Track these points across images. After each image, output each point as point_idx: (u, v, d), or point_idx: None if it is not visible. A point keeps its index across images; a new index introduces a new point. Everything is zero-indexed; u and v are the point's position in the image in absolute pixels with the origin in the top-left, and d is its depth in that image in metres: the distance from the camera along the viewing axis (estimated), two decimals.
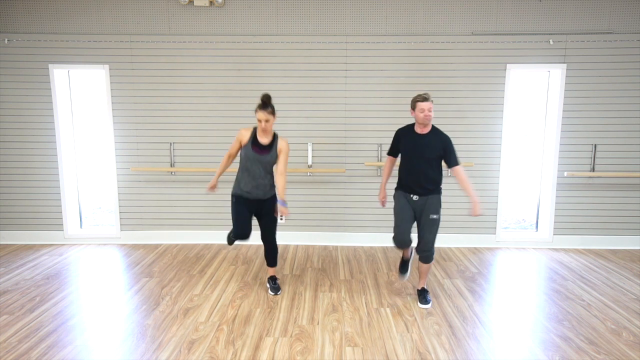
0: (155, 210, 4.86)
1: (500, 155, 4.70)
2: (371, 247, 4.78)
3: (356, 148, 4.75)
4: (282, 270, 4.06)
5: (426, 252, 3.27)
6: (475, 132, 4.67)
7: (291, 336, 2.83)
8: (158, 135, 4.75)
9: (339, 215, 4.85)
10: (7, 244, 4.83)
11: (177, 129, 4.74)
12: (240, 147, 3.35)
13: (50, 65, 4.62)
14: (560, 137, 4.67)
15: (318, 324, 3.00)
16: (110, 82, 4.66)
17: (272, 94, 4.59)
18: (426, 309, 3.26)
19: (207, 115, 4.72)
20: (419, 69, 4.61)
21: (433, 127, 3.24)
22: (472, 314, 3.15)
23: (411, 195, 3.24)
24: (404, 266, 3.54)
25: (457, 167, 3.23)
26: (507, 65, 4.57)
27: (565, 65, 4.56)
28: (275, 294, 3.51)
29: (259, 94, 4.63)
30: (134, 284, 3.68)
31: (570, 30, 4.54)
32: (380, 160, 4.73)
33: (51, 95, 4.66)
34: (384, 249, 4.71)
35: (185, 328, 2.92)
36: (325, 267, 4.16)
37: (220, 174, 3.50)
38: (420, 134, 3.21)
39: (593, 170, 4.69)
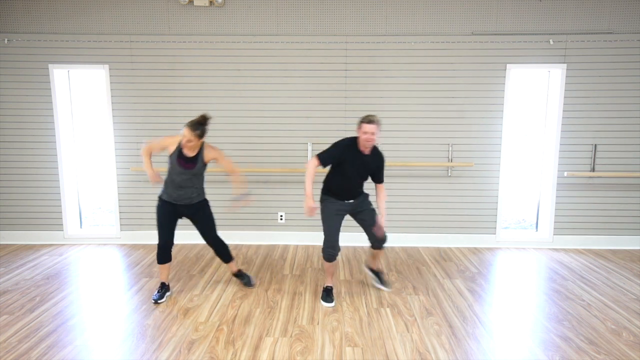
0: (155, 210, 4.85)
1: (500, 155, 4.70)
2: None
3: None
4: (282, 270, 4.06)
5: (383, 240, 3.41)
6: (475, 132, 4.68)
7: (291, 336, 2.83)
8: (158, 135, 4.73)
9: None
10: (7, 244, 4.83)
11: (177, 129, 4.71)
12: (160, 151, 3.34)
13: (50, 65, 4.62)
14: (560, 137, 4.67)
15: (318, 324, 3.00)
16: (110, 82, 4.66)
17: (272, 94, 4.68)
18: (389, 290, 3.50)
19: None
20: (419, 69, 4.61)
21: (374, 147, 3.29)
22: (472, 314, 3.15)
23: (344, 201, 3.33)
24: (329, 295, 3.35)
25: (382, 185, 3.40)
26: (507, 65, 4.57)
27: (565, 65, 4.56)
28: (250, 285, 3.61)
29: (259, 94, 4.69)
30: (134, 284, 3.68)
31: (570, 30, 4.54)
32: None
33: (51, 95, 4.66)
34: (384, 249, 4.70)
35: (185, 328, 2.92)
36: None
37: (150, 166, 3.31)
38: (363, 154, 3.22)
39: (593, 170, 4.69)
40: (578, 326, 2.98)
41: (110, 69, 4.63)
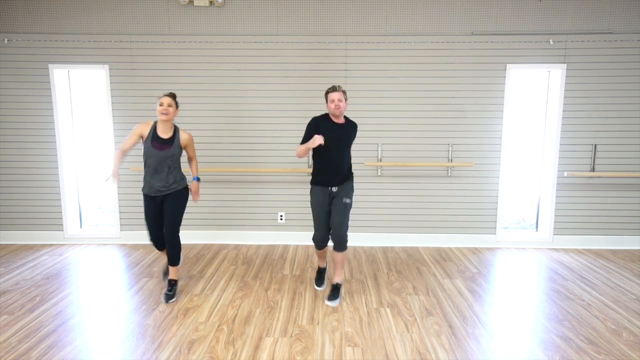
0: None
1: (500, 155, 4.70)
2: (371, 247, 4.78)
3: (356, 148, 4.71)
4: (282, 270, 4.06)
5: (339, 237, 3.26)
6: (475, 132, 4.67)
7: (291, 336, 2.83)
8: None
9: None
10: (7, 244, 4.83)
11: None
12: (137, 142, 3.25)
13: (50, 65, 4.62)
14: (560, 137, 4.67)
15: (318, 324, 3.00)
16: (110, 82, 4.66)
17: (272, 94, 4.69)
18: (332, 306, 3.24)
19: (207, 115, 4.72)
20: (419, 69, 4.61)
21: (345, 117, 3.32)
22: (472, 314, 3.15)
23: (330, 188, 3.28)
24: (320, 277, 3.63)
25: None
26: (507, 65, 4.57)
27: (565, 65, 4.56)
28: (166, 302, 3.28)
29: (259, 94, 4.69)
30: (134, 284, 3.68)
31: (570, 30, 4.54)
32: (380, 160, 4.73)
33: (51, 95, 4.66)
34: (384, 249, 4.71)
35: (185, 328, 2.92)
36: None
37: (117, 170, 3.25)
38: (337, 124, 3.24)
39: (593, 170, 4.69)
40: (578, 326, 2.98)
41: (110, 69, 4.63)
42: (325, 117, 3.27)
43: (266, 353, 2.62)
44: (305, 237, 4.88)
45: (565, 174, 4.69)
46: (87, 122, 5.11)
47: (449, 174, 4.76)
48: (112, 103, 4.68)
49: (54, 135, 4.72)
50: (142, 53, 4.63)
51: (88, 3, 4.58)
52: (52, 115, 4.69)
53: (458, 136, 4.70)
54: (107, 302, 3.32)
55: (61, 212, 4.85)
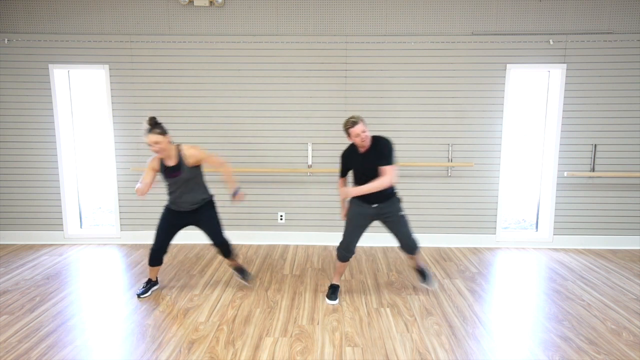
0: (155, 210, 4.86)
1: (500, 155, 4.70)
2: (371, 247, 4.79)
3: None
4: (282, 270, 4.06)
5: (410, 247, 3.33)
6: (475, 132, 4.68)
7: (291, 336, 2.83)
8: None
9: (339, 215, 4.85)
10: (7, 244, 4.83)
11: (177, 129, 4.74)
12: (155, 176, 3.20)
13: (50, 65, 4.62)
14: (560, 137, 4.67)
15: (318, 324, 3.00)
16: (110, 82, 4.66)
17: (272, 94, 4.68)
18: (432, 288, 3.57)
19: (207, 115, 4.72)
20: (419, 69, 4.61)
21: (372, 139, 3.21)
22: (472, 314, 3.15)
23: (369, 204, 3.26)
24: (334, 292, 3.41)
25: (384, 168, 3.13)
26: (507, 65, 4.57)
27: (565, 65, 4.56)
28: (247, 281, 3.61)
29: (259, 94, 4.69)
30: (134, 284, 3.68)
31: (570, 30, 4.54)
32: None
33: (51, 95, 4.66)
34: (384, 249, 4.71)
35: (185, 328, 2.92)
36: (325, 267, 4.16)
37: (148, 188, 3.15)
38: (361, 153, 3.22)
39: (593, 170, 4.69)
40: (578, 326, 2.98)
41: (110, 69, 4.64)
42: (352, 148, 3.28)
43: (266, 353, 2.62)
44: (305, 237, 4.88)
45: (565, 174, 4.69)
46: (87, 122, 5.11)
47: (449, 174, 4.76)
48: (112, 103, 4.68)
49: (54, 135, 4.72)
50: (142, 53, 4.63)
51: (88, 3, 4.58)
52: (52, 115, 4.69)
53: (458, 136, 4.70)
54: (107, 302, 3.32)
55: (61, 212, 4.85)
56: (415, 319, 3.08)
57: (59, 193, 4.81)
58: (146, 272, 3.95)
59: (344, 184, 3.42)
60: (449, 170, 4.74)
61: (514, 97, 4.73)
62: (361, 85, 4.65)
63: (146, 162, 3.24)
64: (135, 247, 4.72)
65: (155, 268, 3.46)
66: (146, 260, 4.27)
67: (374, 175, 3.17)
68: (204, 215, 3.35)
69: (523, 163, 5.36)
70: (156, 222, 4.85)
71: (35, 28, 4.61)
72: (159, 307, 3.23)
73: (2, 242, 4.88)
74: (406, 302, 3.37)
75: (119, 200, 4.84)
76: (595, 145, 4.66)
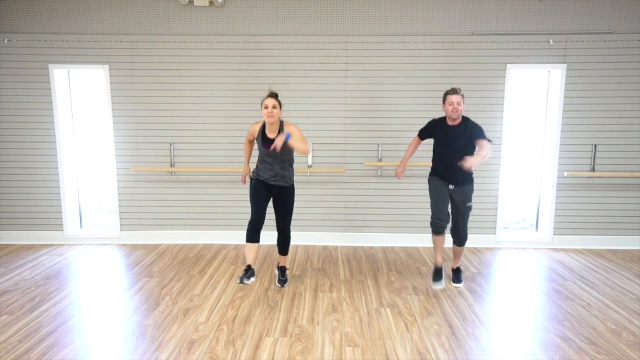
0: (155, 210, 4.86)
1: (500, 155, 4.69)
2: (371, 247, 4.78)
3: (356, 148, 4.75)
4: None
5: (460, 236, 3.57)
6: None
7: (291, 336, 2.83)
8: (158, 135, 4.75)
9: (339, 215, 4.85)
10: (7, 244, 4.83)
11: (177, 129, 4.74)
12: (253, 143, 3.51)
13: (50, 65, 4.62)
14: (560, 137, 4.67)
15: (318, 324, 3.00)
16: (110, 82, 4.66)
17: None
18: (457, 287, 3.62)
19: (207, 115, 4.72)
20: (419, 69, 4.61)
21: (463, 118, 3.40)
22: (472, 314, 3.15)
23: (447, 184, 3.44)
24: (437, 274, 3.54)
25: (482, 141, 3.31)
26: (507, 65, 4.57)
27: (565, 65, 4.56)
28: (282, 286, 3.61)
29: (259, 94, 4.65)
30: (134, 284, 3.68)
31: (570, 30, 4.54)
32: (380, 160, 4.73)
33: (51, 95, 4.66)
34: (384, 249, 4.71)
35: (185, 328, 2.92)
36: (325, 267, 4.16)
37: (248, 161, 3.62)
38: (450, 126, 3.39)
39: (593, 170, 4.69)
40: (578, 326, 2.98)
41: (110, 69, 4.63)
42: (442, 120, 3.47)
43: (266, 353, 2.62)
44: (305, 237, 4.87)
45: (565, 174, 4.69)
46: (87, 122, 5.11)
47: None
48: (112, 103, 4.68)
49: (54, 135, 4.72)
50: (142, 53, 4.63)
51: (88, 3, 4.58)
52: (52, 115, 4.69)
53: None
54: (107, 302, 3.32)
55: (61, 212, 4.84)
56: (415, 319, 3.08)
57: (59, 193, 4.81)
58: (146, 272, 3.95)
59: (416, 145, 3.70)
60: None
61: (514, 97, 4.73)
62: (361, 85, 4.65)
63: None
64: (135, 247, 4.72)
65: (254, 246, 3.42)
66: (146, 260, 4.27)
67: (456, 148, 3.33)
68: (285, 196, 3.49)
69: (523, 163, 5.35)
70: (156, 222, 4.88)
71: (35, 28, 4.61)
72: (159, 307, 3.23)
73: (2, 242, 4.88)
74: (406, 302, 3.37)
75: (119, 200, 4.84)
76: (595, 145, 4.66)
